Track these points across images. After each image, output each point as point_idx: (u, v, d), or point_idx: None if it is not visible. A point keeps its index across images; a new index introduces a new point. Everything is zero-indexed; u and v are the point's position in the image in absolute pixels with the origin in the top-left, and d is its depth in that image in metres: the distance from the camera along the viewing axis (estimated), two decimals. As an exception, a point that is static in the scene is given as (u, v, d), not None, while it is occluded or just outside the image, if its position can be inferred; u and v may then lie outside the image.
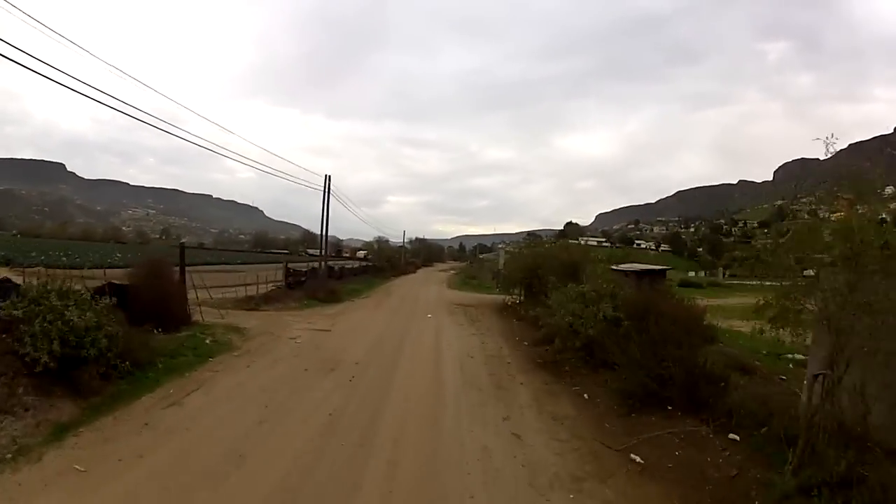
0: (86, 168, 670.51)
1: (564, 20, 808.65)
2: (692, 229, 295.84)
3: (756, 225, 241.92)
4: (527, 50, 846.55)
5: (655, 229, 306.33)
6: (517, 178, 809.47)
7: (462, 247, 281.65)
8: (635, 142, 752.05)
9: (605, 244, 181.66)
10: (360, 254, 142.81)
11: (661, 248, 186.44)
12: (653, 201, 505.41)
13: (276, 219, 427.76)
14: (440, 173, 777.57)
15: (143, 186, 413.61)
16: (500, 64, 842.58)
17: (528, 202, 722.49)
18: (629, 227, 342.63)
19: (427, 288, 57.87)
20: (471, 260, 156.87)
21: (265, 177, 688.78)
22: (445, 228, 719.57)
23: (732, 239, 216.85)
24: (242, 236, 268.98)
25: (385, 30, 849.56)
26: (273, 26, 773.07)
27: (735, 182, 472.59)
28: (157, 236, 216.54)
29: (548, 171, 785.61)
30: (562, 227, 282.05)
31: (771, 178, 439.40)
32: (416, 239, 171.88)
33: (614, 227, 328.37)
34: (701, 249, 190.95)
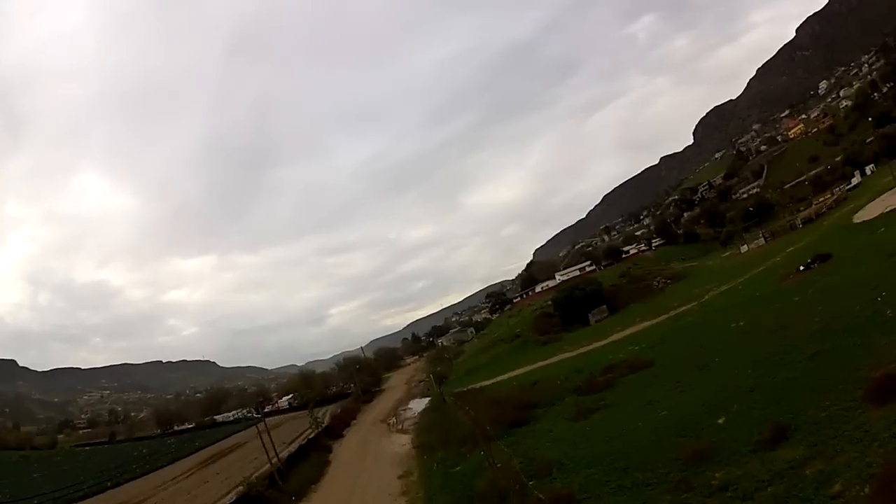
0: (38, 360, 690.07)
1: (443, 84, 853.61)
2: (645, 221, 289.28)
3: (721, 179, 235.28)
4: (414, 124, 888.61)
5: (606, 237, 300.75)
6: (443, 249, 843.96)
7: (415, 336, 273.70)
8: (542, 171, 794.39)
9: (588, 268, 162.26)
10: (285, 401, 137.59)
11: (655, 244, 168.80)
12: (583, 216, 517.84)
13: (229, 366, 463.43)
14: (370, 270, 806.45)
15: (95, 368, 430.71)
16: (395, 145, 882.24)
17: (463, 267, 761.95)
18: (578, 246, 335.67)
19: None
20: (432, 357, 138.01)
21: (210, 326, 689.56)
22: (394, 321, 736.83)
23: (709, 204, 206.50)
24: (199, 395, 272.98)
25: (277, 145, 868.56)
26: (170, 172, 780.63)
27: (657, 161, 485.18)
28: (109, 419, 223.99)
29: (469, 231, 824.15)
30: (522, 272, 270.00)
31: (692, 141, 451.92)
32: (345, 359, 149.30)
33: (560, 255, 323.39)
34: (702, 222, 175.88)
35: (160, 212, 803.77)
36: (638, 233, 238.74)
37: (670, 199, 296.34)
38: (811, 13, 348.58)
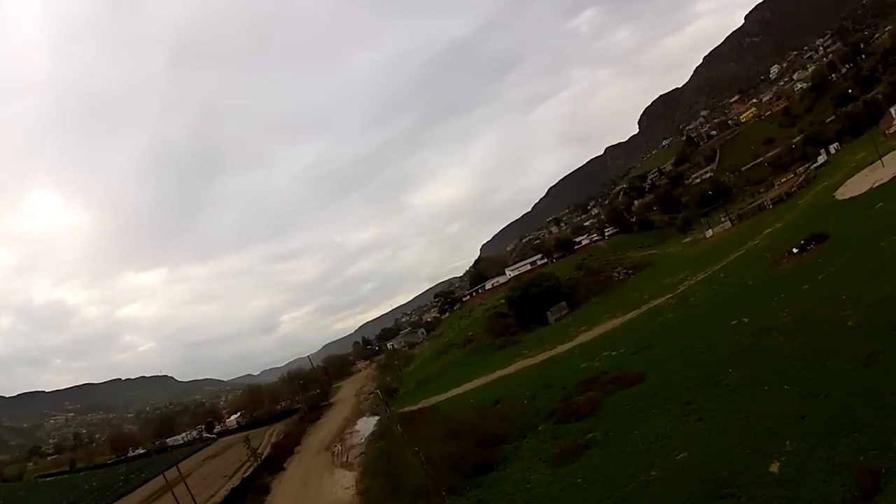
0: (5, 385, 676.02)
1: (383, 86, 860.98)
2: (593, 211, 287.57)
3: (671, 165, 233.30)
4: (356, 127, 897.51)
5: (554, 229, 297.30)
6: (389, 251, 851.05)
7: (365, 340, 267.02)
8: (485, 167, 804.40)
9: (540, 262, 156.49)
10: (234, 420, 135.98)
11: (608, 234, 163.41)
12: (529, 210, 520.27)
13: (187, 380, 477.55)
14: (318, 275, 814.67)
15: (59, 390, 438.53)
16: (337, 149, 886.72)
17: (410, 267, 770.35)
18: (525, 239, 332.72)
19: None
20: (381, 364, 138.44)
21: (166, 340, 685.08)
22: (345, 325, 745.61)
23: (663, 190, 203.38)
24: (158, 411, 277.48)
25: (222, 154, 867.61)
26: (120, 185, 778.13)
27: (602, 152, 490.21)
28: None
29: (414, 231, 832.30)
30: (471, 268, 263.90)
31: (637, 130, 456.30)
32: (289, 373, 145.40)
33: (508, 249, 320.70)
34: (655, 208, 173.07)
35: (112, 226, 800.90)
36: (587, 223, 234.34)
37: (618, 187, 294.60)
38: (760, 1, 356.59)
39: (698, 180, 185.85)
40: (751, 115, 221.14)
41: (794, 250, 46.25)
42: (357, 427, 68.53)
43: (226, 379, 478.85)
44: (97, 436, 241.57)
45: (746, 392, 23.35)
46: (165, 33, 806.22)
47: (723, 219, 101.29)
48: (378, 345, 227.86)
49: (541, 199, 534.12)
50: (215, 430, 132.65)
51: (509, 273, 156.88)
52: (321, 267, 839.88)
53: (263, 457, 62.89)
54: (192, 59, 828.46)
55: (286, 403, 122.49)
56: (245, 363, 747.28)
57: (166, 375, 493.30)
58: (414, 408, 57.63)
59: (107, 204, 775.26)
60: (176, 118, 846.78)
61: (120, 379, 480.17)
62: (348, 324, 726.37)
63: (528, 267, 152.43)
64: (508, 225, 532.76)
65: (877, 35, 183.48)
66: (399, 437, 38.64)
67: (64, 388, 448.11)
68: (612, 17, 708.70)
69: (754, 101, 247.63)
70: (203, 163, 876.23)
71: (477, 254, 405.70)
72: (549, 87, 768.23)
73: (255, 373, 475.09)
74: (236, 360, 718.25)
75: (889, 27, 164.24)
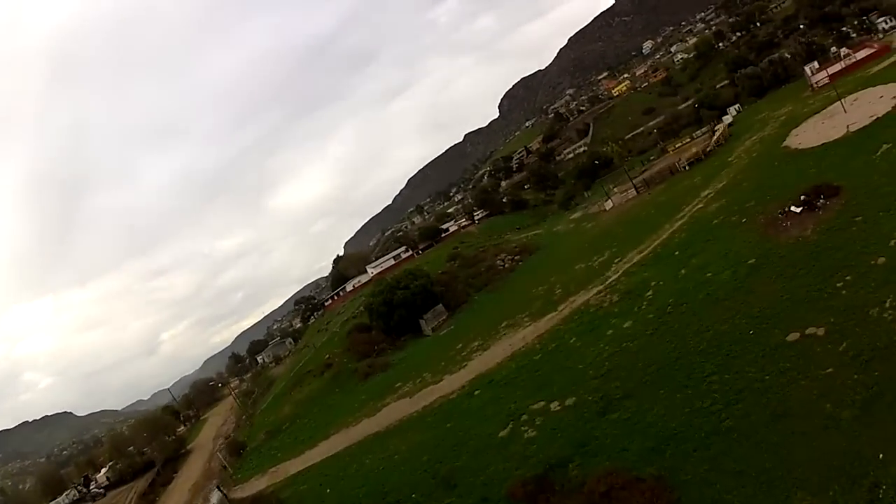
0: None
1: (239, 87, 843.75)
2: (456, 197, 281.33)
3: (539, 143, 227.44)
4: (215, 132, 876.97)
5: (416, 219, 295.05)
6: (256, 256, 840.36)
7: (236, 356, 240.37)
8: (346, 163, 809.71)
9: (405, 255, 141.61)
10: (103, 476, 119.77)
11: (478, 217, 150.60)
12: (390, 202, 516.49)
13: (85, 414, 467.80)
14: (191, 289, 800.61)
15: None
16: (198, 156, 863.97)
17: (278, 271, 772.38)
18: (388, 232, 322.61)
19: None
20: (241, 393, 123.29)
21: (62, 374, 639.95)
22: (222, 337, 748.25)
23: (536, 167, 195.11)
24: (66, 452, 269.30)
25: (88, 173, 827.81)
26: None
27: (461, 139, 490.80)
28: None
29: (279, 234, 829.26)
30: (332, 269, 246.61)
31: (498, 114, 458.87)
32: (137, 421, 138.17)
33: (370, 244, 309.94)
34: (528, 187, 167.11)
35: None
36: (451, 209, 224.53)
37: (482, 170, 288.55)
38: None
39: (571, 155, 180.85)
40: (624, 88, 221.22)
41: (795, 209, 32.16)
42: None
43: (119, 408, 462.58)
44: (20, 487, 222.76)
45: None
46: (31, 49, 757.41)
47: (615, 189, 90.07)
48: (248, 359, 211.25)
49: (401, 191, 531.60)
50: (91, 489, 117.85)
51: (371, 271, 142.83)
52: (193, 279, 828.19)
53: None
54: (55, 75, 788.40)
55: (150, 450, 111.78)
56: (135, 389, 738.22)
57: (65, 412, 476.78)
58: (259, 487, 44.00)
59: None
60: (44, 141, 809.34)
61: (28, 421, 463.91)
62: (225, 336, 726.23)
63: (392, 262, 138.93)
64: (371, 219, 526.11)
65: (774, 5, 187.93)
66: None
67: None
68: (472, 5, 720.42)
69: (626, 75, 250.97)
70: (72, 183, 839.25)
71: (341, 251, 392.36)
72: (406, 78, 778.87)
73: (146, 397, 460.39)
74: (127, 386, 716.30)
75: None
